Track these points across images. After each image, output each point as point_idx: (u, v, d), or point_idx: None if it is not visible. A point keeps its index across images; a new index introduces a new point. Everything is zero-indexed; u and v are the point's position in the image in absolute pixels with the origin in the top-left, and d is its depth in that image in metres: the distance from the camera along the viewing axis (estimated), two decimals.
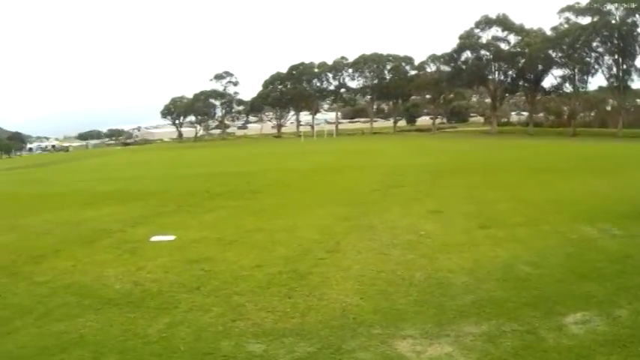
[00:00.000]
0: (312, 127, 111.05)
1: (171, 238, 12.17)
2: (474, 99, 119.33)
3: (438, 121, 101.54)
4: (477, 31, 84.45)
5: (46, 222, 16.08)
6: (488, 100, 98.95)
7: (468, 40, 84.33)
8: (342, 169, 27.99)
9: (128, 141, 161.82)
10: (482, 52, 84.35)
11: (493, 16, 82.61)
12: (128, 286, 8.65)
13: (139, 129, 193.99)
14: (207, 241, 11.72)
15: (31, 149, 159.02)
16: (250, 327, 6.67)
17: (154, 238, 12.24)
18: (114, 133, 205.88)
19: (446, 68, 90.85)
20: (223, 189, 21.75)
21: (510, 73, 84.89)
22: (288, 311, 7.15)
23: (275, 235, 11.81)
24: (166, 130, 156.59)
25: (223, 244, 11.32)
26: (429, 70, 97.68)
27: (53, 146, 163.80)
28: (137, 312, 7.45)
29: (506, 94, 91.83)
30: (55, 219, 16.54)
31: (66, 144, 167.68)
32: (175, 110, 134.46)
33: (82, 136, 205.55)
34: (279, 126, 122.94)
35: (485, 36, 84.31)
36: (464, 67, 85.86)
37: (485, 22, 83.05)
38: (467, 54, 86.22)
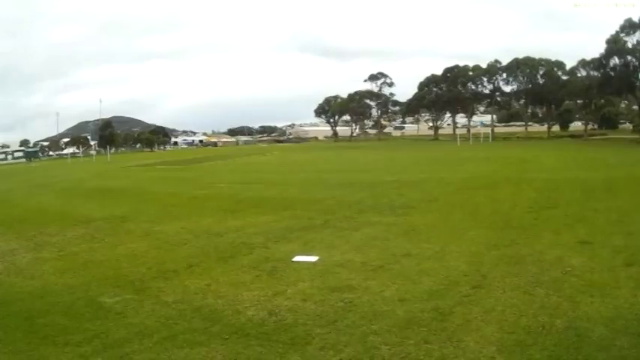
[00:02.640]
0: (469, 130, 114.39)
1: (315, 259, 12.36)
2: (622, 105, 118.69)
3: (589, 127, 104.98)
4: (622, 35, 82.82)
5: (183, 230, 16.94)
6: (635, 107, 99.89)
7: (615, 45, 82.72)
8: (496, 183, 27.26)
9: (281, 138, 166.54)
10: (629, 57, 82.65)
11: (636, 19, 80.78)
12: (262, 315, 8.82)
13: (292, 126, 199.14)
14: (352, 265, 11.76)
15: (176, 143, 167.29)
16: None
17: (297, 259, 12.47)
18: (266, 130, 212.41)
19: (595, 74, 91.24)
20: (375, 201, 21.83)
21: None
22: None
23: (423, 263, 11.68)
24: (320, 128, 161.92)
25: (368, 270, 11.32)
26: (579, 75, 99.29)
27: (201, 141, 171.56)
28: (266, 346, 7.58)
29: None
30: (194, 227, 17.33)
31: (214, 139, 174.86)
32: (330, 109, 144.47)
33: (232, 132, 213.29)
34: (436, 128, 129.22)
35: (631, 40, 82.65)
36: (612, 73, 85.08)
37: (630, 26, 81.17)
38: (615, 60, 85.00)
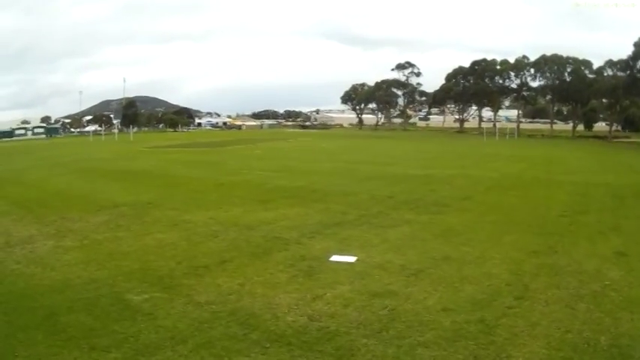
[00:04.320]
0: (495, 124, 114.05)
1: (353, 259, 12.01)
2: None
3: (613, 128, 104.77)
4: None
5: (213, 221, 16.59)
6: None
7: None
8: (527, 183, 26.97)
9: (306, 124, 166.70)
10: None
11: None
12: (302, 321, 8.50)
13: (317, 112, 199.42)
14: (391, 267, 11.43)
15: (199, 124, 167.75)
16: None
17: (334, 258, 12.12)
18: (290, 114, 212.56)
19: (622, 74, 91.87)
20: (407, 197, 21.56)
21: None
22: None
23: (463, 269, 11.37)
24: (346, 115, 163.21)
25: (408, 274, 10.99)
26: (605, 75, 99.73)
27: (225, 123, 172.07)
28: (310, 356, 7.28)
29: None
30: (224, 218, 17.02)
31: (238, 122, 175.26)
32: (356, 97, 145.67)
33: (257, 115, 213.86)
34: (462, 121, 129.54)
35: None
36: (639, 75, 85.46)
37: None
38: None
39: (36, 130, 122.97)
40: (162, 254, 12.72)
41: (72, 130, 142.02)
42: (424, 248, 13.17)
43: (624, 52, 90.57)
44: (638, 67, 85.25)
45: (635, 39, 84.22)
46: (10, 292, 10.09)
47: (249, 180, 27.39)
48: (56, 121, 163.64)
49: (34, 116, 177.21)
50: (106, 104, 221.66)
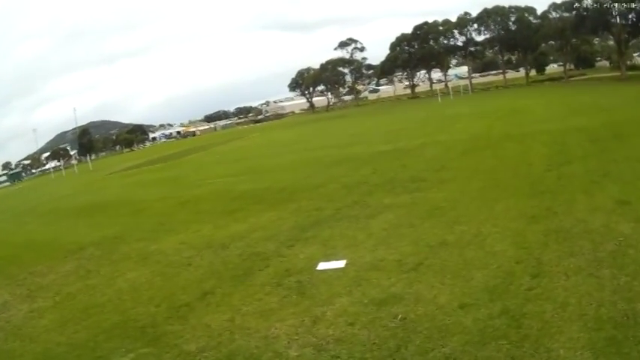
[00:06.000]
0: (447, 84, 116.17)
1: (342, 264, 10.84)
2: (595, 42, 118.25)
3: (566, 68, 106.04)
4: None
5: (184, 246, 15.34)
6: (612, 43, 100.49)
7: None
8: (498, 140, 25.99)
9: (259, 118, 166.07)
10: None
11: None
12: (309, 354, 7.46)
13: (267, 104, 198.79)
14: (387, 266, 10.31)
15: (154, 139, 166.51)
16: None
17: (321, 266, 10.95)
18: (242, 111, 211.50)
19: (568, 15, 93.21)
20: (380, 178, 20.39)
21: (632, 16, 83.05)
22: None
23: (464, 253, 10.29)
24: (296, 102, 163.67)
25: (407, 269, 9.89)
26: (551, 17, 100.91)
27: (178, 132, 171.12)
28: None
29: (631, 38, 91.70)
30: (194, 240, 15.81)
31: (192, 129, 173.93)
32: (303, 82, 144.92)
33: (209, 118, 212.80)
34: (413, 86, 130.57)
35: None
36: (585, 13, 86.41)
37: None
38: (587, 0, 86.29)
39: None
40: (138, 298, 11.49)
41: (33, 171, 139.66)
42: (415, 236, 12.02)
43: None
44: (583, 5, 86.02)
45: None
46: None
47: (213, 190, 26.05)
48: (16, 165, 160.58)
49: None
50: (61, 137, 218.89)
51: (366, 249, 11.60)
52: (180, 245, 15.51)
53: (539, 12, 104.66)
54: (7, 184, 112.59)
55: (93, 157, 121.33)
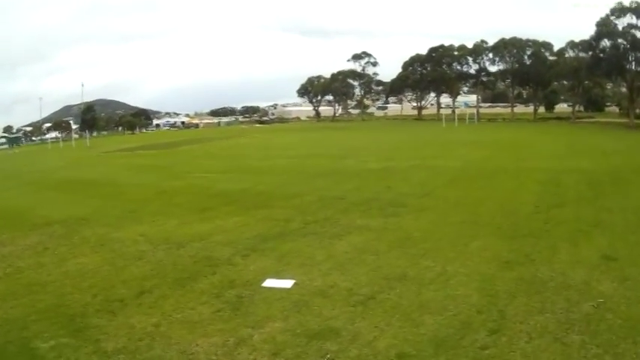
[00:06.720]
0: (454, 110, 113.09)
1: (289, 284, 10.16)
2: (608, 87, 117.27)
3: (575, 109, 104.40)
4: (612, 18, 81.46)
5: (142, 238, 14.93)
6: (624, 90, 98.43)
7: (605, 28, 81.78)
8: (493, 173, 25.27)
9: (264, 119, 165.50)
10: (620, 40, 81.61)
11: (627, 2, 79.93)
12: None
13: (275, 107, 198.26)
14: (335, 294, 9.61)
15: (158, 125, 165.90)
16: None
17: (268, 283, 10.30)
18: (248, 110, 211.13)
19: (584, 56, 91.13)
20: (360, 196, 19.76)
21: None
22: None
23: (423, 292, 9.51)
24: (303, 108, 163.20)
25: (355, 302, 9.16)
26: (567, 55, 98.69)
27: (183, 122, 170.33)
28: None
29: None
30: (155, 234, 15.33)
31: (196, 121, 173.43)
32: (312, 90, 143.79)
33: (215, 113, 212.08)
34: (420, 108, 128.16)
35: (621, 23, 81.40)
36: (602, 55, 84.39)
37: (620, 10, 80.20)
38: (605, 42, 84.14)
39: None
40: (79, 285, 11.06)
41: (33, 138, 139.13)
42: (376, 264, 11.31)
43: (586, 33, 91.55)
44: (600, 47, 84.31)
45: (597, 19, 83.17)
46: None
47: (194, 184, 25.60)
48: (18, 130, 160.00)
49: None
50: (67, 110, 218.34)
51: (320, 271, 10.93)
52: (139, 237, 15.06)
53: (555, 48, 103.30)
54: (6, 147, 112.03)
55: (94, 134, 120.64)
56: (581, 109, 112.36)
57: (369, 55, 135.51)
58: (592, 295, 9.03)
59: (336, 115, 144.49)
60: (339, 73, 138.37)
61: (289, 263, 11.61)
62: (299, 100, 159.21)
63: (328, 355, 7.26)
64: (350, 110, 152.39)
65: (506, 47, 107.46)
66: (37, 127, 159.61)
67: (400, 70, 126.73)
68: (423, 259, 11.56)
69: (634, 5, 78.03)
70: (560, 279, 9.91)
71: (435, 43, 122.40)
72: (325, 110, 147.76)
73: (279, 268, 11.24)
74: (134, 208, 19.81)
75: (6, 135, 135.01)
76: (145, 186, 26.14)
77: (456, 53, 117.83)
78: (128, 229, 16.27)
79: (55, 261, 13.21)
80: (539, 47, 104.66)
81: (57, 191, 27.39)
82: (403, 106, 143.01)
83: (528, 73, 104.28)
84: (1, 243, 15.67)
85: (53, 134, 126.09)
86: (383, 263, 11.37)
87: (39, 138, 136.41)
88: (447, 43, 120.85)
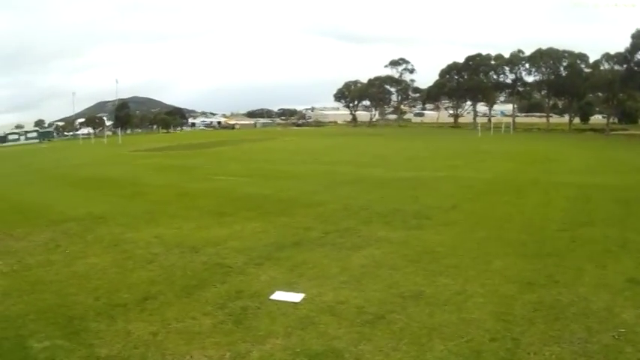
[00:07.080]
0: (490, 119, 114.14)
1: (298, 298, 9.75)
2: None
3: (610, 121, 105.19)
4: None
5: (157, 241, 14.70)
6: None
7: None
8: (521, 186, 24.76)
9: (300, 122, 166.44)
10: None
11: None
12: None
13: (312, 109, 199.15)
14: (344, 311, 9.15)
15: (193, 124, 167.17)
16: None
17: (276, 296, 9.90)
18: (285, 113, 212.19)
19: (619, 68, 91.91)
20: (385, 207, 19.29)
21: None
22: None
23: (436, 314, 8.98)
24: (340, 112, 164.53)
25: (364, 321, 8.69)
26: (602, 68, 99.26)
27: (219, 123, 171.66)
28: None
29: None
30: (170, 237, 15.07)
31: (232, 121, 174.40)
32: (349, 94, 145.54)
33: (251, 114, 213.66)
34: (456, 116, 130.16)
35: None
36: (636, 68, 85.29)
37: None
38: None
39: (29, 135, 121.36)
40: (85, 285, 10.86)
41: (65, 133, 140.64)
42: (392, 280, 10.81)
43: (621, 45, 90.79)
44: (635, 60, 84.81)
45: (633, 31, 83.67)
46: None
47: (217, 188, 25.41)
48: (50, 125, 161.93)
49: (29, 120, 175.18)
50: (101, 106, 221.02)
51: (332, 285, 10.49)
52: (153, 239, 14.83)
53: (591, 60, 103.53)
54: (37, 141, 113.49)
55: (128, 131, 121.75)
56: (616, 120, 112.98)
57: (406, 62, 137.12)
58: (614, 324, 8.46)
59: (373, 120, 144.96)
60: (376, 78, 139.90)
61: (302, 275, 11.21)
62: (336, 104, 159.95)
63: None
64: (387, 116, 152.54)
65: (543, 58, 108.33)
66: (69, 122, 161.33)
67: (437, 77, 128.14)
68: (441, 276, 11.06)
69: None
70: (582, 304, 9.35)
71: (472, 52, 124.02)
72: (362, 115, 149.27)
73: (291, 280, 10.86)
74: (152, 209, 19.65)
75: (37, 129, 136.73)
76: (167, 187, 26.09)
77: (492, 62, 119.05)
78: (143, 230, 16.08)
79: (65, 260, 13.06)
80: (575, 59, 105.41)
81: (78, 188, 27.61)
82: (440, 114, 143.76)
83: (564, 85, 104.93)
84: (14, 238, 15.63)
85: (86, 130, 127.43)
86: (399, 279, 10.89)
87: (71, 133, 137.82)
88: (484, 52, 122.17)
